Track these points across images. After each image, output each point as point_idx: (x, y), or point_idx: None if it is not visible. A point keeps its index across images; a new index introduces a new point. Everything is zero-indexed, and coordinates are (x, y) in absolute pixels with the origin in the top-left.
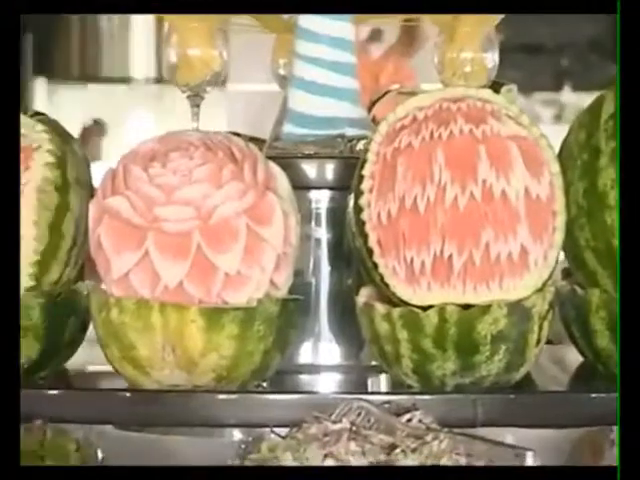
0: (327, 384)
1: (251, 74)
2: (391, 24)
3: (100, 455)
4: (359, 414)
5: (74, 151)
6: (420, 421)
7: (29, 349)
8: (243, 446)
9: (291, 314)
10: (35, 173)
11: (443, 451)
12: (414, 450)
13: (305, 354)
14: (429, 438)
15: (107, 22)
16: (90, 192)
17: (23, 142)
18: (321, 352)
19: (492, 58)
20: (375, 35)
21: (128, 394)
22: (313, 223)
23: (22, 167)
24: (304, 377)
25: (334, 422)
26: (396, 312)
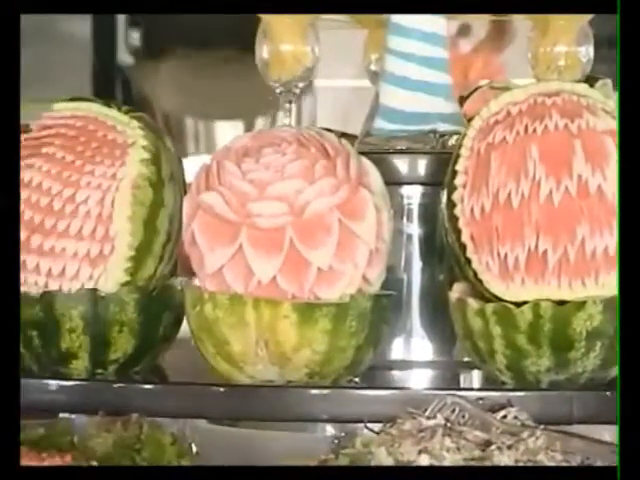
0: (419, 380)
1: (338, 70)
2: (480, 19)
3: (194, 449)
4: (453, 410)
5: (167, 147)
6: (515, 418)
7: (125, 344)
8: (336, 441)
9: (383, 310)
10: (130, 169)
11: (539, 448)
12: (510, 447)
13: (397, 350)
14: (525, 435)
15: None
16: (182, 188)
17: (119, 138)
18: (413, 348)
19: (586, 52)
20: (464, 30)
21: (222, 389)
22: (405, 219)
23: (117, 163)
24: (396, 373)
25: (428, 418)
26: (489, 308)
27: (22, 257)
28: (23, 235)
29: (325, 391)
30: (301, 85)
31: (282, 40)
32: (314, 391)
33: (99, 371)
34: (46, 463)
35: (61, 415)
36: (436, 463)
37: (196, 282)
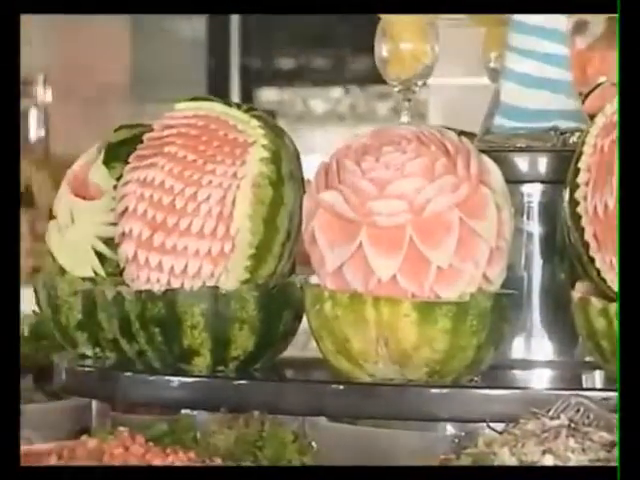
0: (540, 380)
1: (447, 67)
2: (596, 16)
3: (314, 447)
4: (577, 410)
5: (287, 145)
6: None
7: (245, 341)
8: (456, 440)
9: (504, 309)
10: (251, 168)
11: None
12: None
13: (517, 349)
14: None
15: None
16: (302, 186)
17: (239, 137)
18: (534, 347)
19: None
20: (580, 27)
21: (342, 387)
22: (525, 217)
23: (238, 162)
24: (517, 372)
25: (552, 418)
26: (613, 307)
27: (145, 255)
28: (146, 233)
29: (445, 390)
30: (420, 83)
31: (402, 39)
32: (434, 390)
33: (220, 368)
34: (170, 459)
35: (183, 411)
36: (561, 464)
37: (316, 280)
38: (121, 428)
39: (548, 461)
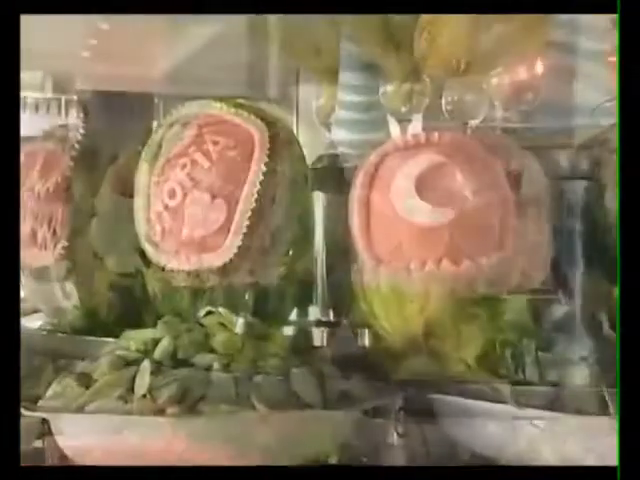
0: (581, 377)
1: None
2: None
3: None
4: None
5: (324, 143)
6: None
7: (284, 336)
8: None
9: (543, 306)
10: (287, 166)
11: None
12: None
13: (557, 345)
14: None
15: None
16: (340, 184)
17: (276, 135)
18: (573, 345)
19: None
20: None
21: (379, 382)
22: (566, 214)
23: (274, 160)
24: (555, 369)
25: (592, 414)
26: None
27: (185, 251)
28: (186, 230)
29: (483, 386)
30: (459, 81)
31: (440, 35)
32: (472, 385)
33: (259, 364)
34: (208, 456)
35: (222, 407)
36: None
37: (356, 276)
38: (160, 419)
39: (590, 459)
